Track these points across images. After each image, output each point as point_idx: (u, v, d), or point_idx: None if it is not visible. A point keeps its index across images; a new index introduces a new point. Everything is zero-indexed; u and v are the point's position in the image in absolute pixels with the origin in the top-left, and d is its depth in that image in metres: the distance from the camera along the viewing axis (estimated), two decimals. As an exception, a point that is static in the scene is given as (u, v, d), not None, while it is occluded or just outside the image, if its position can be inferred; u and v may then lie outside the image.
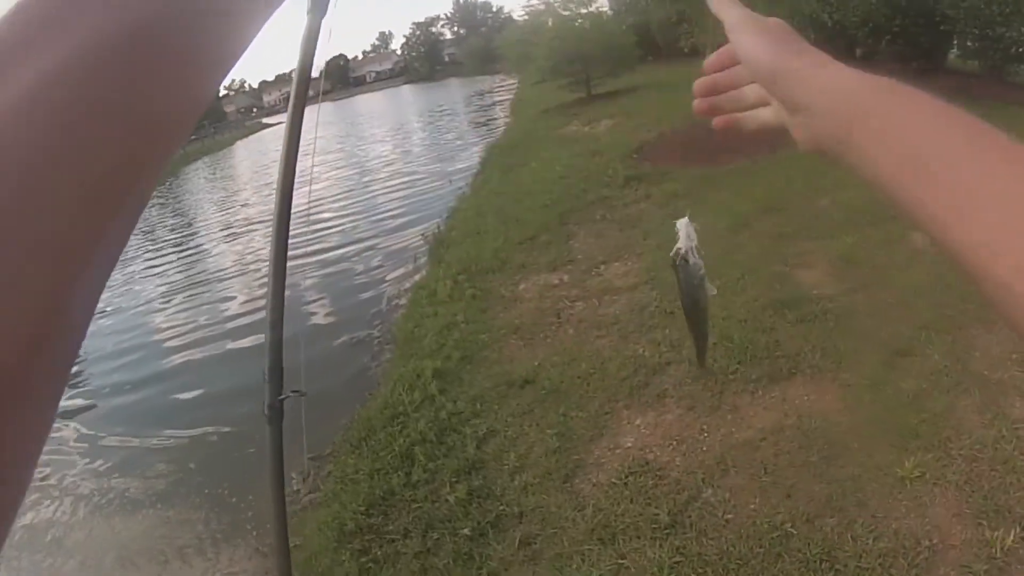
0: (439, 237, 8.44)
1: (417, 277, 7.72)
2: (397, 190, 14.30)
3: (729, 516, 3.00)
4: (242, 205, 19.56)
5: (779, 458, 3.26)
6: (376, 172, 18.11)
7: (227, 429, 5.54)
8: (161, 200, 23.01)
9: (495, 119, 23.55)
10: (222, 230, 15.55)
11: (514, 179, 10.34)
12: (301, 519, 4.07)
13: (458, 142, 20.71)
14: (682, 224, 1.03)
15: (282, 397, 1.84)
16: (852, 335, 4.13)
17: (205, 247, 14.20)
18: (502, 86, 36.55)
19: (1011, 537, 2.54)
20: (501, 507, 3.41)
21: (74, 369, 0.31)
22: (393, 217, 11.83)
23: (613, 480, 3.37)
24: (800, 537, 2.78)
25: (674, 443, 3.55)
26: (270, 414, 1.85)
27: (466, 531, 3.29)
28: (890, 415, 3.36)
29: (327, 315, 7.86)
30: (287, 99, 1.84)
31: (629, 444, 3.63)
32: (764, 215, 6.18)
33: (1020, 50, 10.53)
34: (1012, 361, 3.56)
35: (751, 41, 0.56)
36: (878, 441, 3.21)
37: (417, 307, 6.36)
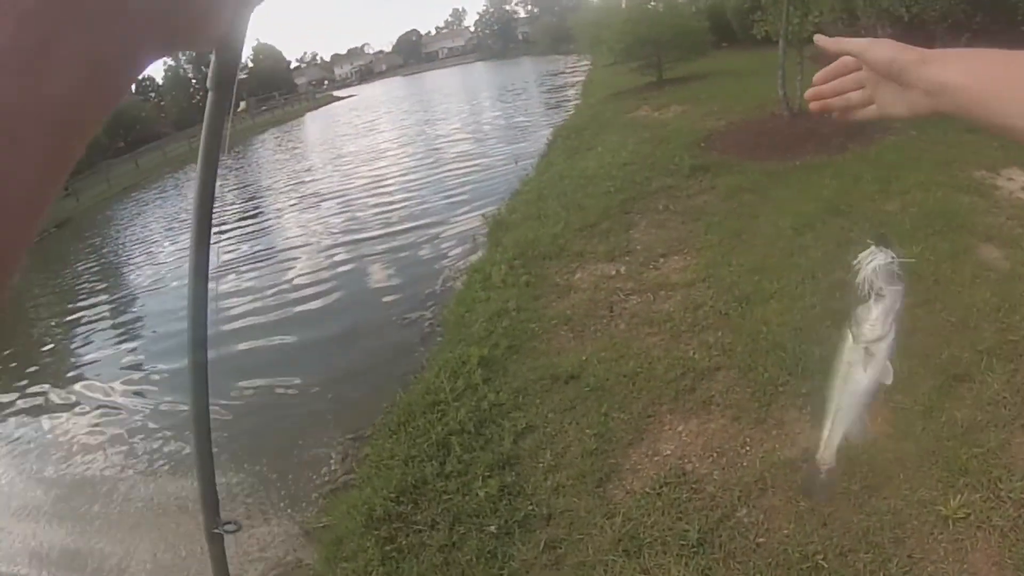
0: (499, 219, 8.36)
1: (474, 259, 7.68)
2: (464, 170, 14.28)
3: (761, 540, 2.86)
4: (306, 171, 19.99)
5: (820, 482, 3.08)
6: (444, 151, 18.12)
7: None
8: (229, 169, 23.60)
9: (566, 100, 23.25)
10: (287, 201, 15.87)
11: (579, 163, 10.13)
12: (333, 500, 4.12)
13: (527, 121, 20.56)
14: (877, 264, 0.86)
15: (215, 530, 1.56)
16: (909, 354, 3.88)
17: (269, 217, 14.52)
18: (575, 67, 36.09)
19: (1051, 595, 2.35)
20: (531, 507, 3.34)
21: None
22: (458, 196, 11.85)
23: (647, 489, 3.26)
24: (831, 571, 2.63)
25: (714, 455, 3.41)
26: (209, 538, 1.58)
27: (492, 528, 3.24)
28: (940, 446, 3.14)
29: (385, 292, 7.94)
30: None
31: (668, 452, 3.51)
32: (830, 216, 5.88)
33: None
34: (1077, 396, 3.28)
35: (881, 50, 0.75)
36: (924, 474, 3.00)
37: (470, 291, 6.32)
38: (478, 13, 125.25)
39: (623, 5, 19.18)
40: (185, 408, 5.87)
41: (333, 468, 4.61)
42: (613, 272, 5.88)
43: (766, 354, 4.07)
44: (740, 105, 10.72)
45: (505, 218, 8.35)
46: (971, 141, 7.77)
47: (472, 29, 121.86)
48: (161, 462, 5.36)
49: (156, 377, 7.10)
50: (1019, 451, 3.02)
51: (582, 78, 28.51)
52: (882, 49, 0.75)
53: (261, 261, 10.77)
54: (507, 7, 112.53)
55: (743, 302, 4.76)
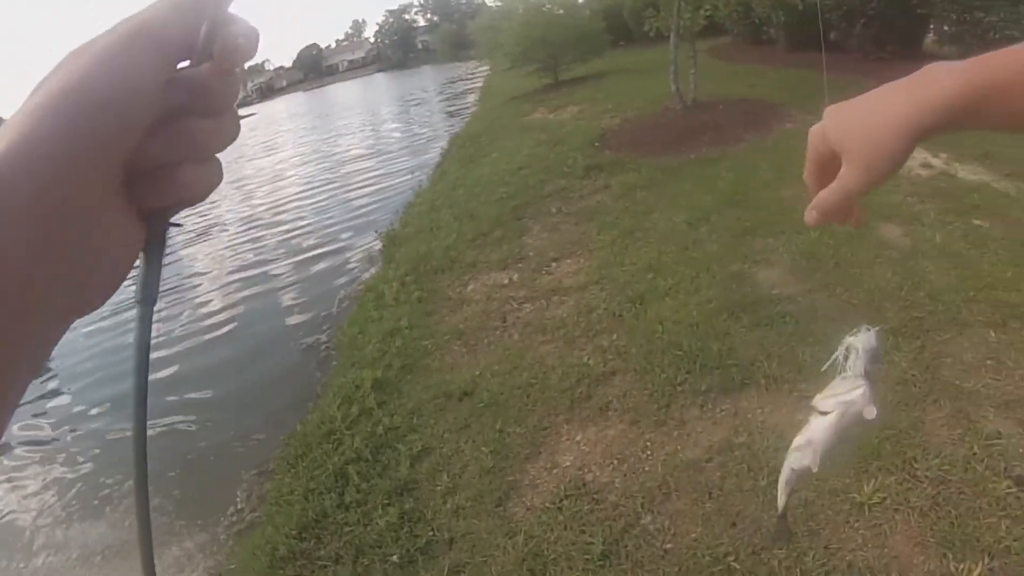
0: (392, 235, 8.08)
1: (367, 277, 7.38)
2: (365, 186, 13.85)
3: (668, 546, 2.74)
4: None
5: (726, 481, 2.98)
6: (345, 167, 17.63)
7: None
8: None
9: (465, 107, 23.09)
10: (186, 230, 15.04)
11: (473, 171, 9.96)
12: (238, 542, 3.82)
13: (427, 132, 20.28)
14: (861, 345, 0.79)
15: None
16: (813, 340, 3.87)
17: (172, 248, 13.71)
18: (474, 73, 36.03)
19: (979, 569, 2.30)
20: (431, 532, 3.15)
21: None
22: (359, 213, 11.44)
23: (548, 504, 3.10)
24: (744, 571, 2.53)
25: (614, 462, 3.27)
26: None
27: (395, 558, 3.05)
28: (850, 433, 3.07)
29: (285, 316, 7.54)
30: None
31: (567, 463, 3.36)
32: (726, 208, 5.91)
33: (998, 35, 10.38)
34: (986, 368, 3.33)
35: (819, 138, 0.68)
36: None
37: (363, 311, 6.03)
38: (377, 24, 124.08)
39: (520, 9, 19.12)
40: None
41: (240, 507, 4.27)
42: (506, 280, 5.72)
43: (662, 353, 3.98)
44: (635, 102, 10.78)
45: (399, 233, 8.09)
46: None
47: (372, 40, 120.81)
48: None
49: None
50: (932, 428, 3.01)
51: (481, 84, 28.47)
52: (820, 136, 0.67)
53: (163, 293, 10.12)
54: (407, 16, 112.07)
55: (637, 302, 4.67)
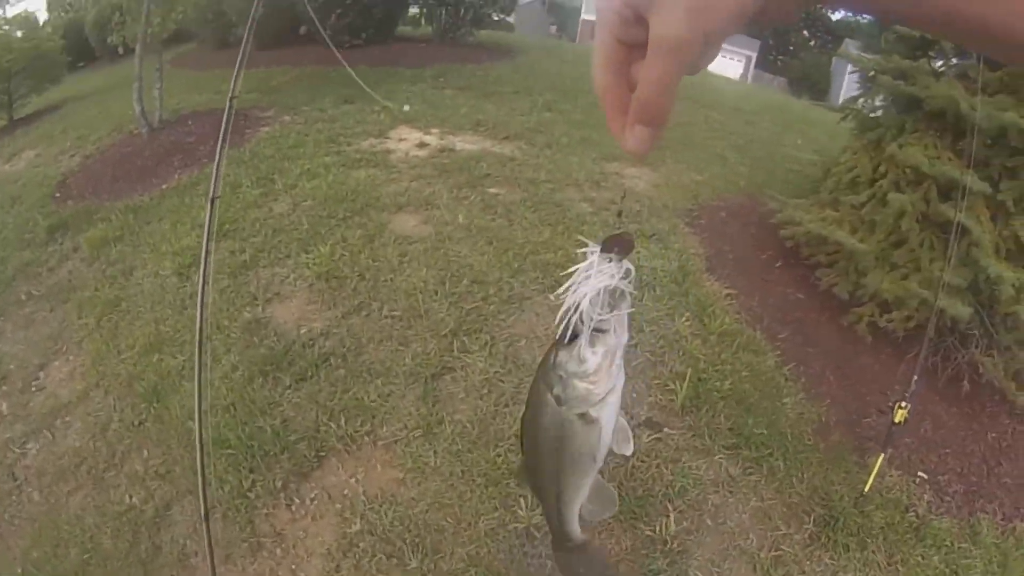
0: None
1: None
2: None
3: None
4: None
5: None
6: None
7: None
8: None
9: None
10: None
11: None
12: None
13: None
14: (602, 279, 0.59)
15: None
16: (371, 374, 3.46)
17: None
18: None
19: None
20: None
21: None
22: None
23: None
24: None
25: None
26: None
27: None
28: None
29: None
30: None
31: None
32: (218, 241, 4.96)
33: (469, 14, 11.10)
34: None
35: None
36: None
37: None
38: None
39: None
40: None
41: None
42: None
43: (210, 459, 3.02)
44: (97, 132, 8.96)
45: None
46: (348, 111, 7.57)
47: None
48: None
49: None
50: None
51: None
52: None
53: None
54: None
55: (153, 399, 3.73)
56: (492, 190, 5.29)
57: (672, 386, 3.54)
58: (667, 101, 0.44)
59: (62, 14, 20.83)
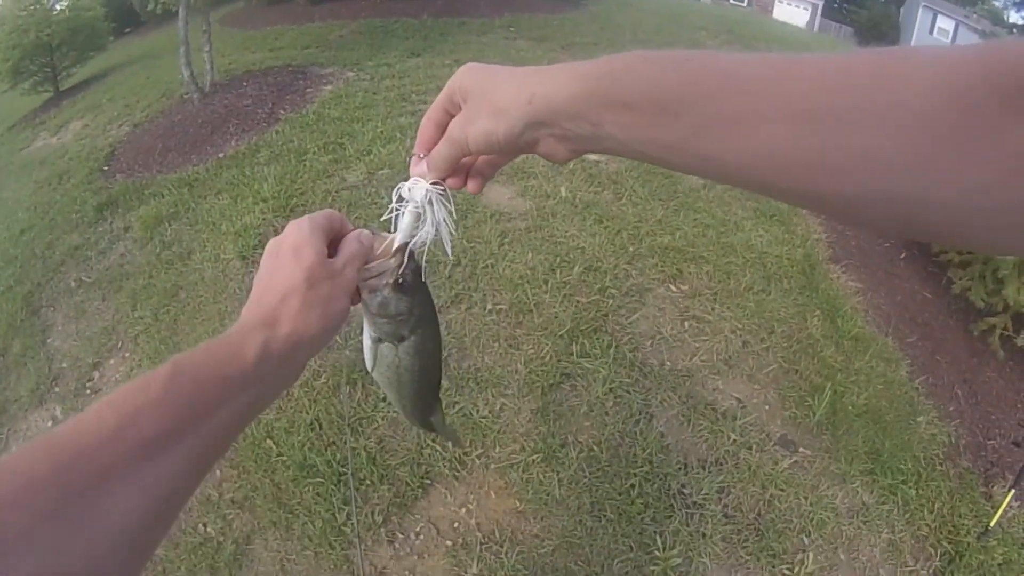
0: None
1: None
2: None
3: None
4: None
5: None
6: None
7: None
8: None
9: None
10: None
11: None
12: None
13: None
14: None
15: None
16: (482, 387, 2.99)
17: None
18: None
19: None
20: None
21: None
22: None
23: None
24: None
25: None
26: None
27: None
28: None
29: None
30: None
31: None
32: (282, 219, 4.44)
33: None
34: (689, 332, 3.10)
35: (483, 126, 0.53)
36: None
37: None
38: None
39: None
40: None
41: None
42: (49, 422, 3.66)
43: (294, 485, 2.76)
44: (145, 99, 8.43)
45: None
46: (416, 65, 6.87)
47: None
48: None
49: None
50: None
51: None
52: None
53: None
54: None
55: None
56: (592, 157, 4.55)
57: (810, 401, 3.08)
58: (446, 163, 0.60)
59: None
